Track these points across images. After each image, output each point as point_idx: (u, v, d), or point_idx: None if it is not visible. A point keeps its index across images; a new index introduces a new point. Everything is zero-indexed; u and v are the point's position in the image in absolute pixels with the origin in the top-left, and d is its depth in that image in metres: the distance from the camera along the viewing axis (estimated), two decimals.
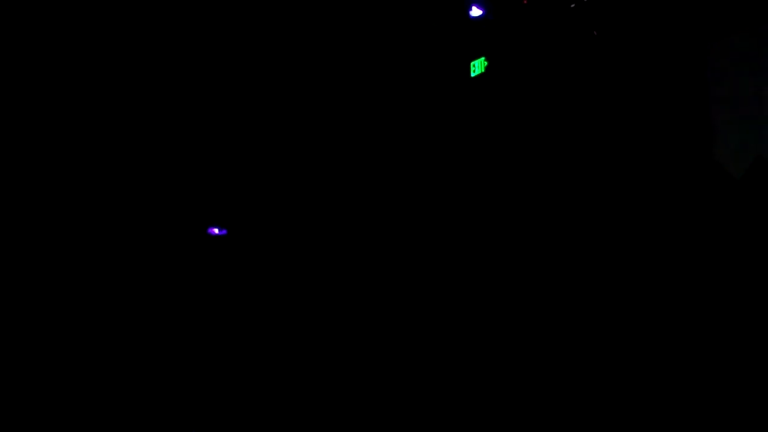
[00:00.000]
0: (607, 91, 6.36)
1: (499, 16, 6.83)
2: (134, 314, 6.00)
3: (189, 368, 5.02)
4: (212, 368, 5.03)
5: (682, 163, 5.64)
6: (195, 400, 4.64)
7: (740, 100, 6.17)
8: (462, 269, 6.47)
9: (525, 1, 6.57)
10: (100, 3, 6.30)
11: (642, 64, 6.33)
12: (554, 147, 6.59)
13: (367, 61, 7.27)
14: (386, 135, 7.35)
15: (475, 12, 6.93)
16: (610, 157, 6.07)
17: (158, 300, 5.54)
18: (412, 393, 5.10)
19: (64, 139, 6.27)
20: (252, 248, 6.00)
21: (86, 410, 5.81)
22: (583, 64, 6.47)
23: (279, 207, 6.54)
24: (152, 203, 6.07)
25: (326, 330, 6.04)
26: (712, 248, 4.69)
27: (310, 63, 7.15)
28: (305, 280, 5.96)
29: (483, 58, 6.96)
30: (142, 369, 5.90)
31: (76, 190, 6.24)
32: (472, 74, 7.11)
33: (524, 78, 6.83)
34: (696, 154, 5.78)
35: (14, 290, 5.97)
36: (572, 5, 6.59)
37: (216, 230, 4.59)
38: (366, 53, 7.24)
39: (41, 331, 6.01)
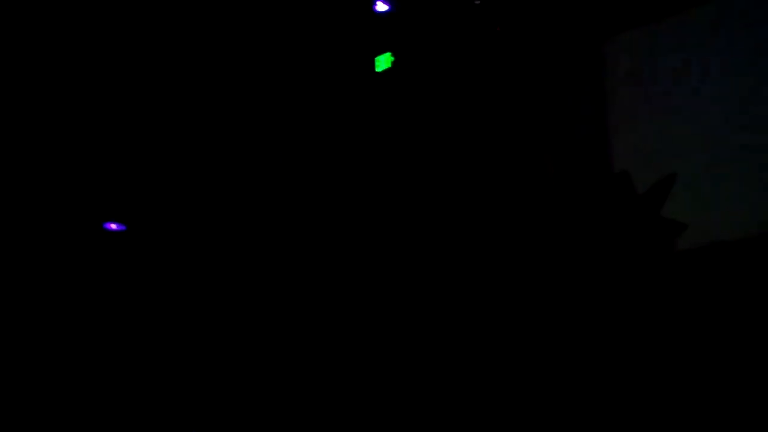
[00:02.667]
0: (510, 88, 6.45)
1: (404, 11, 6.85)
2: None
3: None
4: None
5: (576, 163, 5.75)
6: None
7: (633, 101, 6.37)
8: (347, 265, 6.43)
9: None
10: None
11: (543, 60, 6.44)
12: (457, 143, 6.64)
13: (273, 57, 7.20)
14: (290, 130, 7.29)
15: (381, 7, 6.93)
16: (505, 156, 6.13)
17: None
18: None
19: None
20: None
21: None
22: (488, 60, 6.54)
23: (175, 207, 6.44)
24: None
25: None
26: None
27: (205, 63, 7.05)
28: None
29: (389, 54, 6.97)
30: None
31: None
32: (377, 69, 7.11)
33: (429, 74, 6.87)
34: (591, 156, 5.92)
35: None
36: (477, 2, 6.67)
37: (113, 225, 4.45)
38: (271, 49, 7.17)
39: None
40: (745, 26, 5.85)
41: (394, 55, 6.96)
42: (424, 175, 6.75)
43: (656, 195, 4.61)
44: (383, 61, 7.01)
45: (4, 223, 5.85)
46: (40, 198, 5.98)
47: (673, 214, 4.63)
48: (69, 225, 5.93)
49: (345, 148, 7.20)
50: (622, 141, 6.16)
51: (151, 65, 6.55)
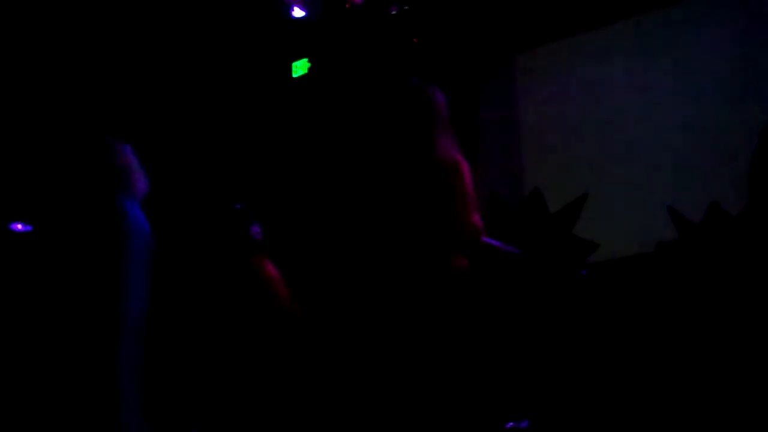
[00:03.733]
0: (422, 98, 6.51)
1: (321, 17, 6.85)
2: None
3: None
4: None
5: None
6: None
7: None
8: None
9: (348, 5, 6.62)
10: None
11: (457, 72, 6.53)
12: (367, 150, 6.66)
13: (189, 61, 7.12)
14: (205, 135, 7.23)
15: (298, 13, 6.92)
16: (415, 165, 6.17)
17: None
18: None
19: None
20: None
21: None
22: (403, 70, 6.59)
23: None
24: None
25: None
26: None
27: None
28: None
29: (306, 59, 6.97)
30: None
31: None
32: (294, 75, 7.10)
33: (345, 81, 6.89)
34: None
35: None
36: (393, 12, 6.72)
37: (19, 226, 4.35)
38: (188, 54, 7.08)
39: None
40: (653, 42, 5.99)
41: (310, 61, 6.96)
42: (333, 179, 6.78)
43: (569, 214, 4.70)
44: (300, 67, 7.01)
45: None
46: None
47: (584, 233, 4.74)
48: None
49: (262, 152, 7.19)
50: (533, 159, 6.28)
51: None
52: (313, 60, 6.99)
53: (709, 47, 5.73)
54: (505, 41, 6.60)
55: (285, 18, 6.94)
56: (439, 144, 3.90)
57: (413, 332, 3.82)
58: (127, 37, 6.73)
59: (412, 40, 6.67)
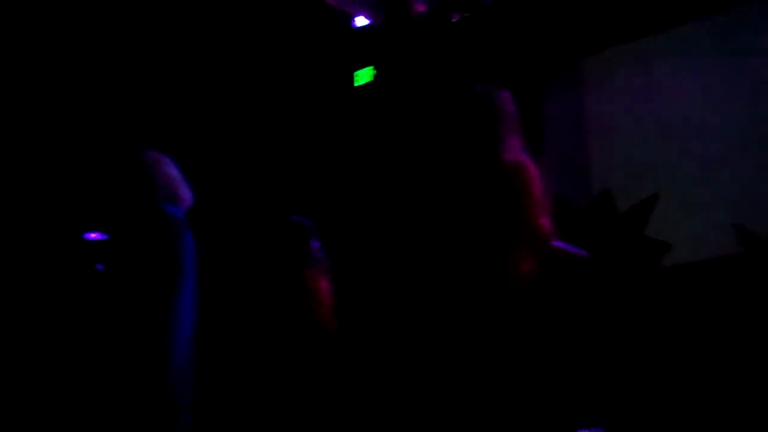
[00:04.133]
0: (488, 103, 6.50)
1: (385, 26, 6.89)
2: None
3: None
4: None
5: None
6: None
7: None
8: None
9: (412, 14, 6.65)
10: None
11: (522, 75, 6.50)
12: (436, 157, 6.66)
13: (252, 72, 7.21)
14: (270, 144, 7.30)
15: (361, 21, 6.97)
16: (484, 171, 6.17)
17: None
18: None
19: None
20: None
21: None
22: (467, 76, 6.59)
23: None
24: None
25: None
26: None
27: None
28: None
29: (370, 68, 7.00)
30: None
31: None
32: (357, 84, 7.15)
33: (409, 89, 6.91)
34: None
35: None
36: (455, 20, 6.73)
37: (93, 235, 4.45)
38: (250, 64, 7.17)
39: None
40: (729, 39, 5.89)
41: (375, 69, 7.00)
42: (403, 187, 6.79)
43: (639, 214, 4.64)
44: (363, 76, 7.05)
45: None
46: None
47: (656, 233, 4.67)
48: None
49: (327, 161, 7.23)
50: (600, 161, 6.22)
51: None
52: (377, 68, 7.02)
53: None
54: (571, 44, 6.56)
55: (348, 27, 7.01)
56: (508, 148, 3.90)
57: (483, 340, 3.82)
58: (190, 47, 6.85)
59: (475, 46, 6.67)
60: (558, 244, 3.89)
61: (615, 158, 6.13)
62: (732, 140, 5.65)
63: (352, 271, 6.15)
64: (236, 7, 6.75)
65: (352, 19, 7.03)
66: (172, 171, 4.53)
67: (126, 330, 4.27)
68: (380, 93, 7.05)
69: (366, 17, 6.88)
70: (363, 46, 7.09)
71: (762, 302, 4.54)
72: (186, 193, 4.54)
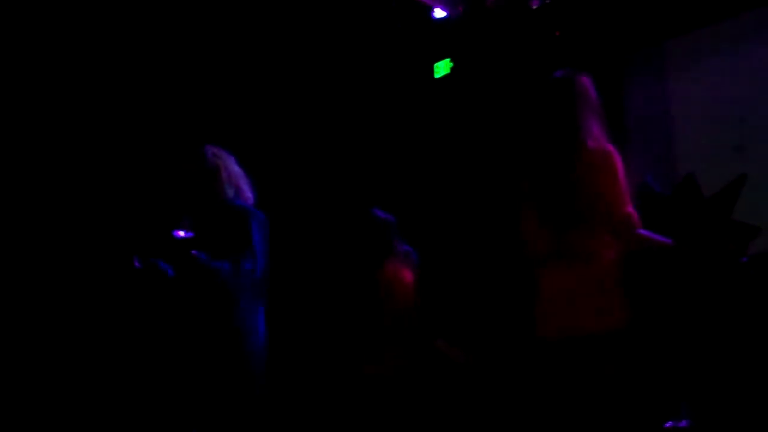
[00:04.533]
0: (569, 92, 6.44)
1: (462, 17, 6.88)
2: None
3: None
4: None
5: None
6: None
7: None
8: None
9: (489, 3, 6.63)
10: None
11: (602, 62, 6.42)
12: (515, 148, 6.64)
13: (332, 66, 7.28)
14: (349, 138, 7.36)
15: (439, 13, 6.97)
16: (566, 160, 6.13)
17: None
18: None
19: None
20: None
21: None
22: (546, 66, 6.54)
23: None
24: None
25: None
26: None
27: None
28: None
29: (448, 60, 7.01)
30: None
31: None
32: (436, 76, 7.16)
33: (489, 79, 6.89)
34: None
35: None
36: (535, 6, 6.68)
37: (181, 233, 4.57)
38: (331, 59, 7.24)
39: None
40: None
41: (453, 61, 7.00)
42: (484, 179, 6.78)
43: (726, 198, 4.55)
44: (442, 68, 7.05)
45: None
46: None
47: (744, 217, 4.56)
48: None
49: (402, 154, 7.27)
50: (683, 146, 6.12)
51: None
52: (456, 60, 7.02)
53: None
54: (654, 26, 6.45)
55: (427, 19, 7.03)
56: (590, 135, 3.88)
57: (568, 334, 3.81)
58: (268, 45, 6.95)
59: (555, 33, 6.61)
60: (643, 232, 3.85)
61: (701, 144, 6.03)
62: None
63: (437, 262, 6.17)
64: (317, 1, 6.84)
65: (431, 11, 7.04)
66: (236, 168, 4.69)
67: (209, 320, 4.42)
68: (461, 84, 7.04)
69: (443, 9, 6.88)
70: (442, 38, 7.10)
71: None
72: (249, 191, 4.69)
